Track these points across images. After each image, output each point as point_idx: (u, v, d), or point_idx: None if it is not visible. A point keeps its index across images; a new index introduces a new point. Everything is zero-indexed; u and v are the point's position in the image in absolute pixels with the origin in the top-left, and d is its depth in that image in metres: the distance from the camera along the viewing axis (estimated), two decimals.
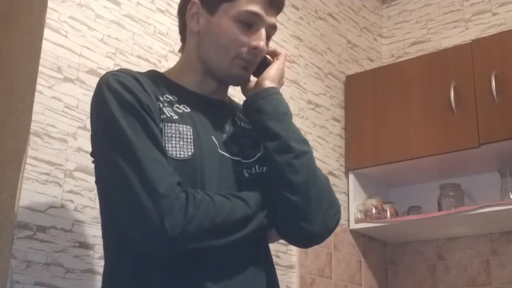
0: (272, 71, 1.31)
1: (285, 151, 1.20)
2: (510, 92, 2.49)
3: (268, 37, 1.30)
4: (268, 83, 1.28)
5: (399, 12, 3.38)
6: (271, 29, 1.30)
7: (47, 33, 1.72)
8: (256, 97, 1.27)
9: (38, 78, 1.67)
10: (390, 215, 2.77)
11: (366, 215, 2.76)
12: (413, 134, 2.69)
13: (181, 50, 1.38)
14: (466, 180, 2.76)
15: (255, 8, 1.25)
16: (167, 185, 1.09)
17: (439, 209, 2.69)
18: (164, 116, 1.20)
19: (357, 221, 2.77)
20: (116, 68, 1.85)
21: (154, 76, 1.29)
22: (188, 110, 1.25)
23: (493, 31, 2.94)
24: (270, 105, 1.25)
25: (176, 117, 1.22)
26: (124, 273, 1.17)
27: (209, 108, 1.29)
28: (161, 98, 1.22)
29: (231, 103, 1.40)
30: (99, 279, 1.23)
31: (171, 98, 1.25)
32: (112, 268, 1.20)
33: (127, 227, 1.11)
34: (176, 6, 2.16)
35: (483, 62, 2.58)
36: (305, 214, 1.19)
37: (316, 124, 2.75)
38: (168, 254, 1.11)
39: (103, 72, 1.88)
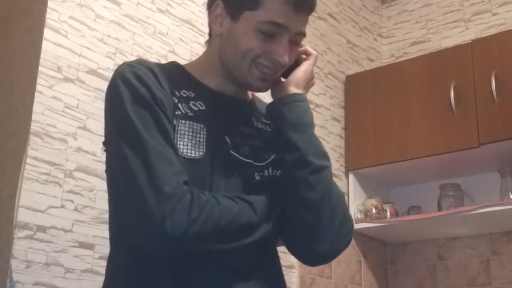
0: (298, 74, 1.25)
1: (303, 166, 1.16)
2: (510, 92, 2.49)
3: (296, 44, 1.23)
4: (293, 89, 1.23)
5: (399, 12, 3.38)
6: (299, 36, 1.22)
7: (47, 33, 1.72)
8: (280, 102, 1.22)
9: (38, 78, 1.67)
10: (390, 215, 2.77)
11: (366, 215, 2.76)
12: (413, 134, 2.69)
13: (207, 43, 1.31)
14: (466, 180, 2.76)
15: (279, 19, 1.16)
16: (173, 184, 1.06)
17: (439, 209, 2.69)
18: (179, 112, 1.17)
19: (357, 221, 2.77)
20: None
21: (173, 69, 1.25)
22: (204, 107, 1.21)
23: (493, 31, 2.94)
24: (293, 113, 1.20)
25: (191, 114, 1.18)
26: (126, 272, 1.16)
27: (226, 107, 1.25)
28: (177, 93, 1.19)
29: (253, 99, 1.34)
30: (99, 279, 1.23)
31: (188, 94, 1.21)
32: (114, 265, 1.19)
33: (129, 224, 1.09)
34: (176, 6, 2.18)
35: (483, 62, 2.58)
36: (315, 232, 1.15)
37: (316, 124, 2.70)
38: (168, 255, 1.09)
39: (103, 72, 1.89)
